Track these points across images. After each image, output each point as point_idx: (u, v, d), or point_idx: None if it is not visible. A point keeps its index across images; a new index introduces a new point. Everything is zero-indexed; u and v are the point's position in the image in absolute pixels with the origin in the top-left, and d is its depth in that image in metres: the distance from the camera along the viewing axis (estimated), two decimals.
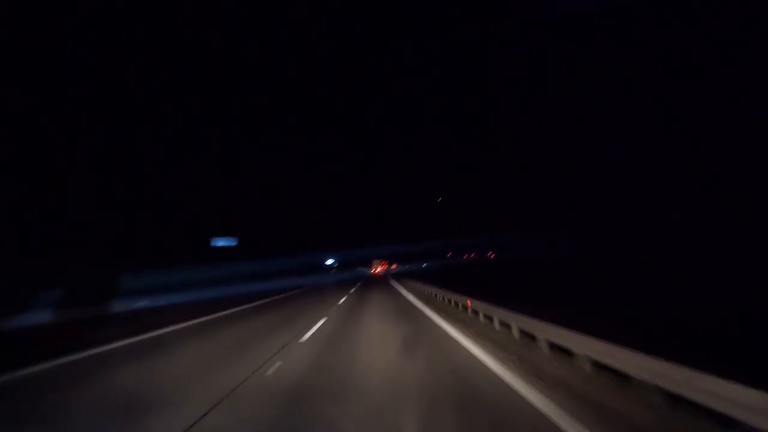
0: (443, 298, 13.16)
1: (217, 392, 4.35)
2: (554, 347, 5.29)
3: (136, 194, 28.34)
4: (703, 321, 8.67)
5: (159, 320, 11.12)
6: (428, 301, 13.79)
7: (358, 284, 32.14)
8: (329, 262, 69.15)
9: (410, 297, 16.28)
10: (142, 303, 13.22)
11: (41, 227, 18.11)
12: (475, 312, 8.73)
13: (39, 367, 5.84)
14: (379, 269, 76.59)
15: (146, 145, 33.09)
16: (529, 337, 6.04)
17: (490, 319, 7.77)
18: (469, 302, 9.13)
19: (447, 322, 8.19)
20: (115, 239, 22.33)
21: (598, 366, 4.34)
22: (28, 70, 22.27)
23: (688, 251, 34.46)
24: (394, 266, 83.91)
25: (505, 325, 7.05)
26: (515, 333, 6.48)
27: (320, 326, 8.69)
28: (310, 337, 7.38)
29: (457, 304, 10.95)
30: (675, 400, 3.50)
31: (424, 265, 75.29)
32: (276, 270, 34.87)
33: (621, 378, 3.93)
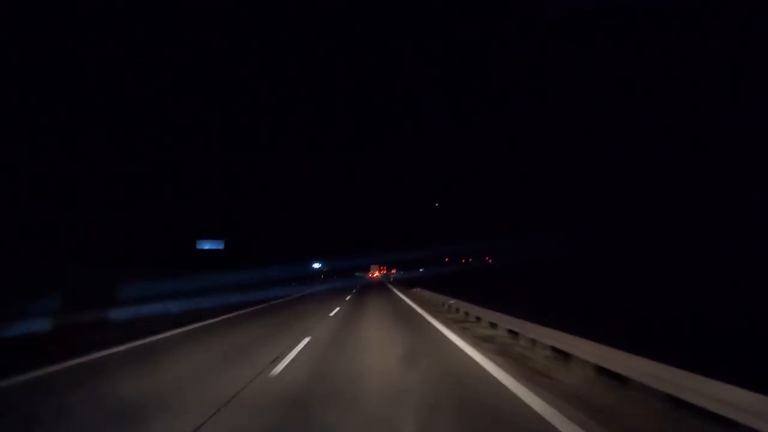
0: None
1: (217, 396, 4.30)
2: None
3: (135, 196, 28.34)
4: (703, 321, 8.68)
5: (150, 326, 11.15)
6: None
7: (353, 292, 26.33)
8: (316, 266, 57.87)
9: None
10: (137, 309, 13.17)
11: (41, 228, 18.11)
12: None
13: (39, 372, 5.81)
14: (376, 274, 78.27)
15: (145, 145, 33.02)
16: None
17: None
18: None
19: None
20: (115, 241, 22.30)
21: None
22: (25, 70, 22.25)
23: (688, 251, 34.44)
24: (393, 271, 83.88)
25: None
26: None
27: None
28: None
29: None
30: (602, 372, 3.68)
31: (421, 270, 75.25)
32: (263, 278, 32.14)
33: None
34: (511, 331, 7.19)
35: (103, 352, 7.11)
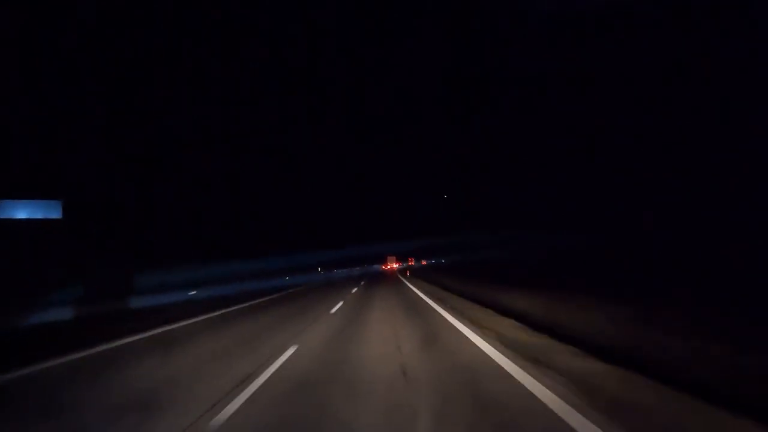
0: None
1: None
2: None
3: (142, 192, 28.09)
4: None
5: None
6: None
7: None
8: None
9: None
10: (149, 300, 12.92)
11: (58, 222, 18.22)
12: None
13: (55, 361, 6.00)
14: (395, 265, 67.98)
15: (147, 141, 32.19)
16: None
17: None
18: None
19: None
20: (130, 233, 22.19)
21: None
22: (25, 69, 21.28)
23: (689, 251, 33.88)
24: (423, 262, 67.10)
25: None
26: None
27: None
28: None
29: None
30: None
31: (431, 261, 72.47)
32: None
33: None
34: None
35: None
